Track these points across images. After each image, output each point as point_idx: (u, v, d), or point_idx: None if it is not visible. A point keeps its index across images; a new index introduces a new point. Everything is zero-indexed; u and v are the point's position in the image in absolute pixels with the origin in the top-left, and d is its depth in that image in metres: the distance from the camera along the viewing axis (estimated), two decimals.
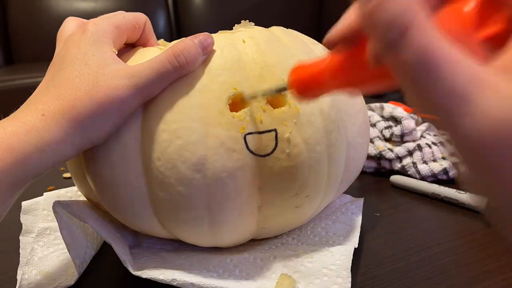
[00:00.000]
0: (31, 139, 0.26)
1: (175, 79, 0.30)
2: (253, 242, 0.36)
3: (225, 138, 0.29)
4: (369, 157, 0.54)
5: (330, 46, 0.21)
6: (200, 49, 0.30)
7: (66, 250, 0.37)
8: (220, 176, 0.29)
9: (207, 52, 0.31)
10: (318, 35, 2.16)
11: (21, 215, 0.43)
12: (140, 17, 0.35)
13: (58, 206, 0.33)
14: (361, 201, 0.43)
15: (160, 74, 0.29)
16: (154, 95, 0.30)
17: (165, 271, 0.31)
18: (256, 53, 0.32)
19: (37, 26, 1.82)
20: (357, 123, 0.35)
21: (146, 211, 0.31)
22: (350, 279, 0.31)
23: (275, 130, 0.30)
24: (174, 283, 0.30)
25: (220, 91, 0.30)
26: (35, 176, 0.28)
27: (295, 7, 2.11)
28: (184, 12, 2.03)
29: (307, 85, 0.22)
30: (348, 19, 0.20)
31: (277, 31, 0.36)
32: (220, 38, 0.33)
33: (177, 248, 0.36)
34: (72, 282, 0.34)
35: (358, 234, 0.37)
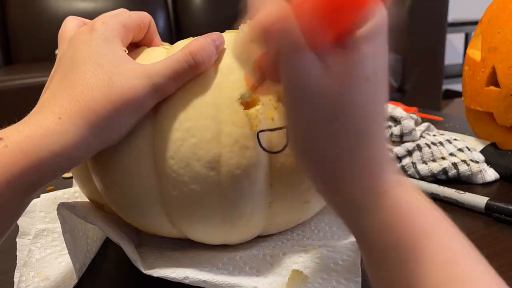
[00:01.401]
0: (47, 143, 0.26)
1: (190, 78, 0.30)
2: (259, 239, 0.37)
3: (239, 136, 0.29)
4: None
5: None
6: (213, 47, 0.30)
7: (64, 252, 0.37)
8: (235, 173, 0.29)
9: (219, 51, 0.31)
10: None
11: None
12: (145, 16, 0.34)
13: (63, 208, 0.32)
14: None
15: (177, 73, 0.29)
16: (169, 94, 0.30)
17: (176, 270, 0.32)
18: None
19: (37, 26, 1.82)
20: None
21: (157, 210, 0.32)
22: (360, 273, 0.31)
23: (285, 127, 0.30)
24: (187, 281, 0.30)
25: (231, 89, 0.30)
26: (50, 179, 0.27)
27: None
28: (183, 12, 2.03)
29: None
30: None
31: None
32: (228, 38, 0.33)
33: (183, 247, 0.36)
34: (71, 287, 0.34)
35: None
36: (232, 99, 0.30)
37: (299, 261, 0.33)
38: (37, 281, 0.34)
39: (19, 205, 0.26)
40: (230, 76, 0.31)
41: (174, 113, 0.30)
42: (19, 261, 0.37)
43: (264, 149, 0.30)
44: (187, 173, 0.29)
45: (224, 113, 0.29)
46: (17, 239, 0.40)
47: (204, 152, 0.29)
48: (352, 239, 0.36)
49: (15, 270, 0.36)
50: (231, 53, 0.31)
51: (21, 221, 0.42)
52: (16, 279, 0.34)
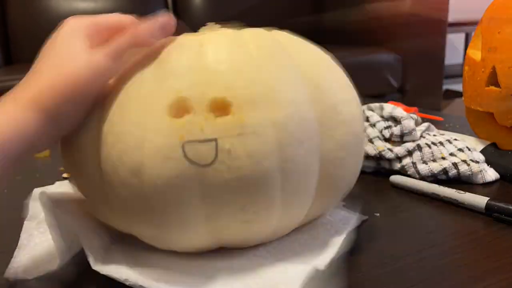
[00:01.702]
0: (2, 119, 0.29)
1: (127, 51, 0.31)
2: (230, 251, 0.35)
3: (162, 145, 0.28)
4: (369, 157, 0.54)
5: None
6: (158, 29, 0.32)
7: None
8: (156, 183, 0.28)
9: (167, 34, 0.33)
10: (317, 34, 2.16)
11: (30, 202, 0.44)
12: (125, 20, 0.35)
13: (44, 197, 0.34)
14: (353, 219, 0.40)
15: (119, 56, 0.31)
16: (111, 75, 0.32)
17: (124, 270, 0.31)
18: (211, 58, 0.31)
19: (37, 26, 1.82)
20: (337, 136, 0.32)
21: (104, 207, 0.32)
22: None
23: (215, 139, 0.28)
24: (127, 283, 0.30)
25: (163, 96, 0.29)
26: (14, 161, 0.29)
27: (294, 7, 2.11)
28: (184, 12, 2.03)
29: None
30: None
31: (248, 34, 0.34)
32: (181, 42, 0.32)
33: (156, 250, 0.35)
34: (54, 268, 0.34)
35: (331, 255, 0.34)
36: (160, 106, 0.29)
37: (242, 279, 0.31)
38: (28, 263, 0.36)
39: None
40: (165, 82, 0.30)
41: (109, 116, 0.30)
42: (20, 242, 0.38)
43: (190, 161, 0.28)
44: (116, 177, 0.30)
45: (150, 120, 0.29)
46: (25, 222, 0.41)
47: (128, 159, 0.29)
48: (313, 263, 0.33)
49: (15, 251, 0.37)
50: None
51: (32, 206, 0.43)
52: (12, 259, 0.36)
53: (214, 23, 0.35)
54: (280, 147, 0.29)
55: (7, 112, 0.29)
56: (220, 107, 0.29)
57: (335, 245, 0.35)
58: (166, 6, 2.03)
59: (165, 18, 0.33)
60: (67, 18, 0.35)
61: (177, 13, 2.05)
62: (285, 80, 0.31)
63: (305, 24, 2.12)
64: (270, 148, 0.29)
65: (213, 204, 0.29)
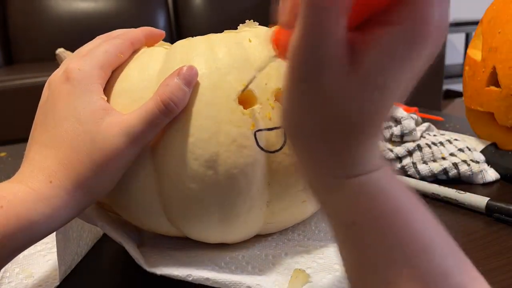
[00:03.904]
0: (40, 207, 0.27)
1: (167, 122, 0.30)
2: (260, 239, 0.37)
3: (236, 135, 0.30)
4: None
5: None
6: (186, 87, 0.30)
7: (53, 250, 0.37)
8: (232, 173, 0.30)
9: (192, 86, 0.30)
10: None
11: None
12: (123, 44, 0.33)
13: None
14: None
15: (152, 124, 0.29)
16: (149, 141, 0.30)
17: (179, 268, 0.32)
18: (262, 52, 0.32)
19: (37, 26, 1.82)
20: None
21: (156, 209, 0.32)
22: None
23: None
24: (190, 279, 0.31)
25: (229, 89, 0.30)
26: (41, 238, 0.28)
27: None
28: (184, 12, 2.03)
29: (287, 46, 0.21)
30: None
31: None
32: (226, 38, 0.33)
33: (184, 247, 0.36)
34: (53, 287, 0.34)
35: None
36: (229, 98, 0.30)
37: (301, 261, 0.33)
38: (21, 278, 0.34)
39: (3, 262, 0.27)
40: (228, 76, 0.31)
41: None
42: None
43: (261, 148, 0.30)
44: (185, 172, 0.30)
45: (222, 112, 0.30)
46: None
47: (201, 151, 0.29)
48: None
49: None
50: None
51: None
52: (0, 274, 0.34)
53: (251, 20, 0.36)
54: None
55: (37, 189, 0.27)
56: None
57: None
58: (166, 6, 2.03)
59: (186, 73, 0.30)
60: (68, 68, 0.31)
61: (177, 13, 2.06)
62: None
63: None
64: None
65: (277, 188, 0.32)
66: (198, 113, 0.30)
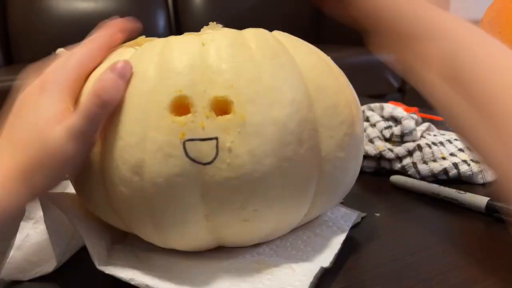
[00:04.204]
0: None
1: (107, 115, 0.30)
2: (230, 250, 0.35)
3: (163, 143, 0.28)
4: (369, 157, 0.54)
5: None
6: (120, 80, 0.30)
7: None
8: (157, 181, 0.29)
9: (127, 79, 0.31)
10: (317, 34, 2.16)
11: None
12: (99, 49, 0.34)
13: (46, 199, 0.34)
14: (354, 215, 0.41)
15: (89, 118, 0.29)
16: (95, 138, 0.31)
17: (128, 270, 0.32)
18: (212, 57, 0.31)
19: (38, 26, 1.82)
20: (337, 136, 0.33)
21: (106, 206, 0.32)
22: None
23: (216, 138, 0.29)
24: (132, 283, 0.31)
25: (164, 94, 0.29)
26: None
27: (295, 7, 2.11)
28: (184, 12, 2.03)
29: None
30: None
31: (249, 33, 0.34)
32: (183, 41, 0.32)
33: (157, 249, 0.35)
34: (50, 270, 0.35)
35: (335, 252, 0.35)
36: (161, 104, 0.29)
37: (248, 280, 0.32)
38: (23, 263, 0.36)
39: None
40: (167, 80, 0.30)
41: (113, 114, 0.30)
42: (16, 242, 0.38)
43: (190, 159, 0.28)
44: (116, 174, 0.30)
45: (151, 118, 0.29)
46: (22, 222, 0.41)
47: (129, 156, 0.29)
48: (318, 261, 0.33)
49: (10, 251, 0.37)
50: None
51: (29, 205, 0.43)
52: (7, 260, 0.35)
53: (215, 22, 0.35)
54: (280, 146, 0.29)
55: None
56: (221, 106, 0.29)
57: (338, 242, 0.36)
58: (166, 6, 2.03)
59: (120, 68, 0.31)
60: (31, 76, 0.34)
61: (177, 13, 2.06)
62: (285, 80, 0.31)
63: (305, 24, 2.12)
64: (271, 147, 0.29)
65: (213, 202, 0.30)
66: (130, 117, 0.29)
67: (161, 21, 1.98)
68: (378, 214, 0.43)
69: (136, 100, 0.30)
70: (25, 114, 0.31)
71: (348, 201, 0.43)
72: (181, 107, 0.29)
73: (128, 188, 0.30)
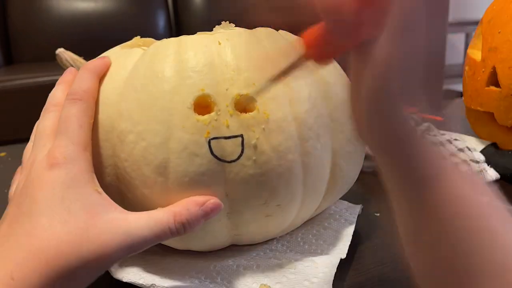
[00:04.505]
0: None
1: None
2: (241, 248, 0.36)
3: (188, 142, 0.28)
4: (369, 157, 0.54)
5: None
6: (202, 218, 0.28)
7: None
8: (183, 181, 0.29)
9: (209, 217, 0.29)
10: None
11: None
12: (89, 106, 0.30)
13: None
14: (358, 207, 0.42)
15: (158, 238, 0.27)
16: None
17: (146, 275, 0.32)
18: (230, 55, 0.31)
19: (38, 26, 1.82)
20: (346, 131, 0.34)
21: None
22: None
23: (241, 135, 0.29)
24: None
25: (186, 93, 0.29)
26: None
27: None
28: (184, 12, 2.03)
29: (316, 45, 0.23)
30: None
31: (260, 32, 0.35)
32: (197, 40, 0.32)
33: (163, 251, 0.35)
34: None
35: (348, 243, 0.36)
36: (184, 103, 0.29)
37: (271, 275, 0.32)
38: None
39: None
40: (188, 80, 0.30)
41: (130, 114, 0.30)
42: None
43: (216, 157, 0.29)
44: (138, 176, 0.29)
45: (176, 118, 0.29)
46: None
47: (153, 156, 0.29)
48: (334, 253, 0.34)
49: None
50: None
51: None
52: None
53: (227, 22, 0.35)
54: (301, 141, 0.30)
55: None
56: (244, 104, 0.30)
57: (349, 234, 0.37)
58: (166, 6, 2.03)
59: (213, 204, 0.28)
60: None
61: (177, 12, 2.06)
62: (300, 77, 0.32)
63: (305, 24, 2.12)
64: (293, 143, 0.30)
65: (236, 199, 0.30)
66: (152, 117, 0.29)
67: (161, 21, 1.98)
68: (378, 214, 0.43)
69: (156, 100, 0.29)
70: (43, 198, 0.25)
71: (349, 200, 0.43)
72: (203, 106, 0.29)
73: (151, 189, 0.29)
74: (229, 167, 0.29)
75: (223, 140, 0.29)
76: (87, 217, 0.25)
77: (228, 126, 0.29)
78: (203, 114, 0.29)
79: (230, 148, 0.29)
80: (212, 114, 0.29)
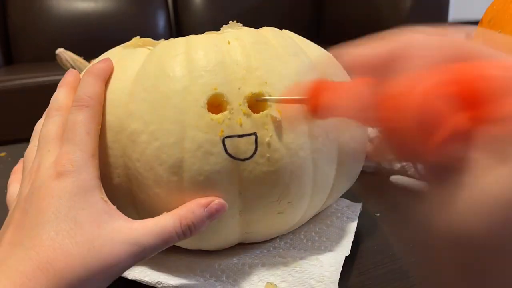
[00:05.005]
0: None
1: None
2: (245, 246, 0.36)
3: (203, 141, 0.28)
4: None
5: (349, 68, 0.20)
6: (207, 219, 0.28)
7: None
8: (197, 179, 0.29)
9: (214, 218, 0.29)
10: (317, 35, 2.16)
11: None
12: (95, 111, 0.30)
13: None
14: (359, 205, 0.42)
15: (166, 243, 0.27)
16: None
17: (151, 273, 0.32)
18: (240, 55, 0.31)
19: (38, 26, 1.82)
20: (350, 128, 0.34)
21: (130, 210, 0.32)
22: None
23: (255, 134, 0.29)
24: (159, 286, 0.31)
25: (199, 93, 0.29)
26: None
27: (295, 6, 2.11)
28: (184, 12, 2.03)
29: (323, 107, 0.22)
30: (376, 48, 0.19)
31: (267, 32, 0.35)
32: (206, 39, 0.32)
33: (168, 250, 0.35)
34: None
35: (351, 240, 0.36)
36: (198, 103, 0.29)
37: (277, 274, 0.32)
38: None
39: None
40: (200, 79, 0.30)
41: (141, 114, 0.29)
42: None
43: (230, 155, 0.29)
44: (151, 176, 0.29)
45: (189, 117, 0.29)
46: None
47: (166, 156, 0.29)
48: (339, 251, 0.35)
49: None
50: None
51: None
52: None
53: (235, 21, 0.35)
54: (311, 138, 0.31)
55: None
56: (257, 102, 0.30)
57: (351, 231, 0.38)
58: (166, 6, 2.03)
59: (217, 205, 0.28)
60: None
61: (177, 12, 2.06)
62: (307, 75, 0.32)
63: (305, 24, 2.12)
64: (304, 140, 0.30)
65: (250, 197, 0.30)
66: (165, 116, 0.29)
67: (161, 21, 1.98)
68: (378, 214, 0.44)
69: (168, 100, 0.29)
70: (49, 207, 0.25)
71: (347, 199, 0.43)
72: (215, 105, 0.30)
73: (165, 189, 0.29)
74: (242, 165, 0.29)
75: (236, 139, 0.29)
76: (94, 227, 0.25)
77: (241, 125, 0.29)
78: (215, 113, 0.29)
79: (244, 146, 0.29)
80: (225, 112, 0.29)
